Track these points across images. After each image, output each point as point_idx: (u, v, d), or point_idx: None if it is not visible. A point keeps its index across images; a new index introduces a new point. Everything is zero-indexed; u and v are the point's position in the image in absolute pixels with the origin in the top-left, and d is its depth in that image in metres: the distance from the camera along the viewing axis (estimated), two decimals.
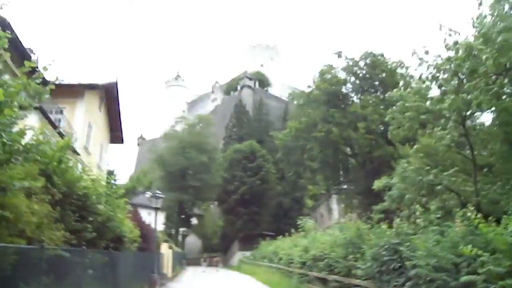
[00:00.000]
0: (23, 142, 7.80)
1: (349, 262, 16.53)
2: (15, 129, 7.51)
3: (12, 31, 18.93)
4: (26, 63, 7.85)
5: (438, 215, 12.97)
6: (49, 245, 8.91)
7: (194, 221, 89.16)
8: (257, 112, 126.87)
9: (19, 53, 18.49)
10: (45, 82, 8.85)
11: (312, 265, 22.31)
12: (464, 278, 8.85)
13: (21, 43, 19.63)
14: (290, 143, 52.84)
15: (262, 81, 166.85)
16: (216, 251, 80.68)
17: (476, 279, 8.59)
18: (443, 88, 19.72)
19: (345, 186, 54.32)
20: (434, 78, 19.95)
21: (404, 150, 26.71)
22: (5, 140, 6.75)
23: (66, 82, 29.61)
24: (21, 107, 7.90)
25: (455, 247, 9.83)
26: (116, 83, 35.42)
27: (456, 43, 18.28)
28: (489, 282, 8.38)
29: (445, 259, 9.81)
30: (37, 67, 8.59)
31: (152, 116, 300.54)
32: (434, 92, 21.46)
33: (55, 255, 9.12)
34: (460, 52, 17.93)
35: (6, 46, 7.77)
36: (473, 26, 18.10)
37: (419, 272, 10.50)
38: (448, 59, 18.34)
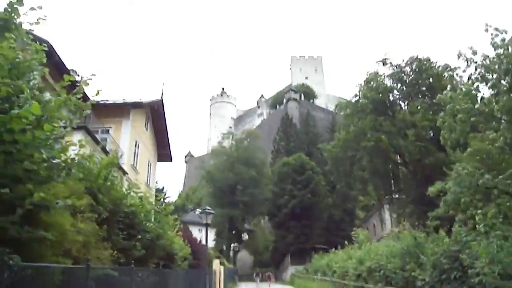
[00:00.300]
0: (66, 158, 7.63)
1: (407, 272, 15.98)
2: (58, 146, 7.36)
3: (56, 54, 19.09)
4: (66, 77, 7.73)
5: (500, 220, 12.38)
6: (96, 264, 8.74)
7: (245, 236, 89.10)
8: (304, 124, 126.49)
9: (62, 74, 18.57)
10: (86, 99, 8.75)
11: (367, 277, 21.79)
12: None
13: (64, 64, 19.75)
14: (339, 154, 52.29)
15: (307, 93, 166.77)
16: (268, 266, 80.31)
17: None
18: (494, 88, 19.09)
19: (396, 196, 53.37)
20: (484, 79, 19.33)
21: (456, 155, 26.00)
22: (45, 157, 6.57)
23: (111, 101, 29.86)
24: (64, 127, 7.78)
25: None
26: (162, 101, 35.54)
27: (503, 40, 17.71)
28: None
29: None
30: (78, 83, 8.48)
31: (199, 133, 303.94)
32: (485, 92, 20.81)
33: (103, 274, 8.94)
34: (510, 49, 17.32)
35: (45, 60, 7.65)
36: None
37: (483, 280, 9.96)
38: (498, 56, 17.70)
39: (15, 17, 7.74)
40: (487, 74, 19.05)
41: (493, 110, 18.57)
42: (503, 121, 18.53)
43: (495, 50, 18.01)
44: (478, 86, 20.19)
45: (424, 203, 33.52)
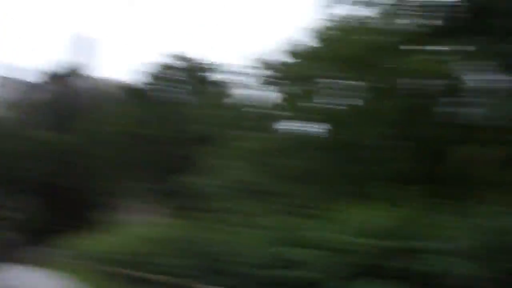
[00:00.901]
0: None
1: (156, 258, 16.06)
2: None
3: None
4: None
5: (260, 216, 12.89)
6: None
7: None
8: (68, 102, 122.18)
9: None
10: None
11: (116, 261, 21.53)
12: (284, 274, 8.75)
13: None
14: (93, 137, 51.99)
15: (78, 72, 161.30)
16: (17, 246, 76.47)
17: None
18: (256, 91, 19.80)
19: (147, 184, 53.62)
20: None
21: (215, 150, 26.66)
22: None
23: None
24: None
25: (269, 243, 9.70)
26: None
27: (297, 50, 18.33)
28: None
29: (262, 255, 9.63)
30: None
31: None
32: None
33: None
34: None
35: None
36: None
37: (233, 268, 10.27)
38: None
39: None
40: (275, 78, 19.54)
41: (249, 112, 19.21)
42: (259, 123, 19.28)
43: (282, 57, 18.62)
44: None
45: (172, 193, 34.83)
